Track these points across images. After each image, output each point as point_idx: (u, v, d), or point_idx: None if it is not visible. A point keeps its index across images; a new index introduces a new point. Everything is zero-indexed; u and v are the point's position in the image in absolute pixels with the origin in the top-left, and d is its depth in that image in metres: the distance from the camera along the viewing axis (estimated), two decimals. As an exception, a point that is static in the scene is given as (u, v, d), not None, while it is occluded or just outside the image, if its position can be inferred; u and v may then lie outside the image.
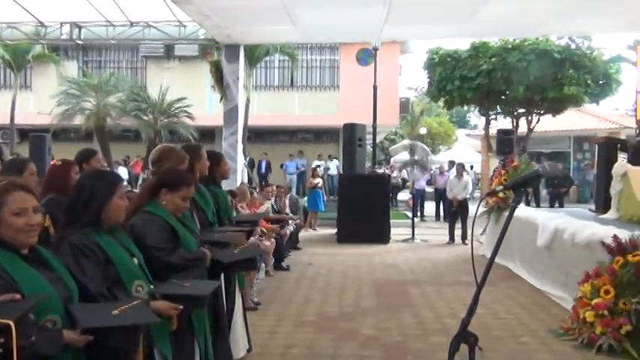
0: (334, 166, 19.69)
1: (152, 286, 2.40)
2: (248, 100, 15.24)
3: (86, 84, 18.77)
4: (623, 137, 13.04)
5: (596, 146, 9.81)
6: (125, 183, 3.21)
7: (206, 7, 8.64)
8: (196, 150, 3.61)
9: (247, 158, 16.12)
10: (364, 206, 11.12)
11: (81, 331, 1.87)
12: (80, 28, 14.03)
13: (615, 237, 4.99)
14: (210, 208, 3.56)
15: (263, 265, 7.57)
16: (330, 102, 20.85)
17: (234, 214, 5.39)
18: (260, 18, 9.24)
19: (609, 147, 9.01)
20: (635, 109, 12.15)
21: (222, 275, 3.51)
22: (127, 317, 1.96)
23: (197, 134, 18.33)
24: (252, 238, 5.47)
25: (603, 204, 8.44)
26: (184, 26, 12.56)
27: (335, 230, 11.85)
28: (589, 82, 17.94)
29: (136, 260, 2.36)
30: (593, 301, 4.85)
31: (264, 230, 7.64)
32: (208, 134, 19.01)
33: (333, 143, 21.57)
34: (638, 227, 6.08)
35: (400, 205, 19.52)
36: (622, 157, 8.64)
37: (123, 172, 17.61)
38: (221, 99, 11.45)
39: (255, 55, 15.88)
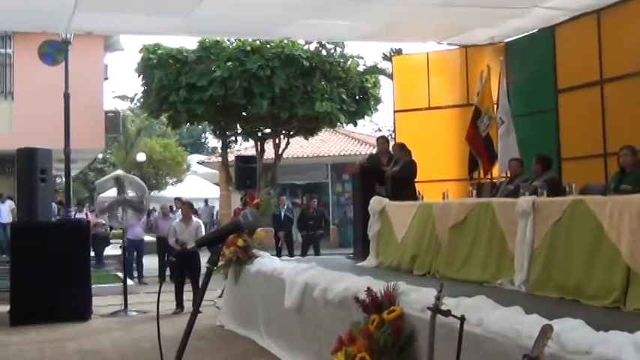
0: (7, 211, 18.41)
1: None
2: None
3: None
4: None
5: (352, 177, 10.98)
6: None
7: None
8: None
9: None
10: (52, 268, 10.58)
11: None
12: None
13: (369, 290, 5.56)
14: None
15: None
16: (1, 116, 19.48)
17: None
18: None
19: (366, 178, 10.14)
20: (394, 132, 13.95)
21: None
22: None
23: None
24: None
25: (362, 249, 9.42)
26: None
27: (7, 307, 10.97)
28: (344, 96, 20.04)
29: None
30: (349, 374, 5.32)
31: None
32: None
33: (6, 177, 20.13)
34: (398, 276, 6.91)
35: (108, 264, 19.03)
36: (380, 191, 9.76)
37: None
38: None
39: None
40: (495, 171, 11.11)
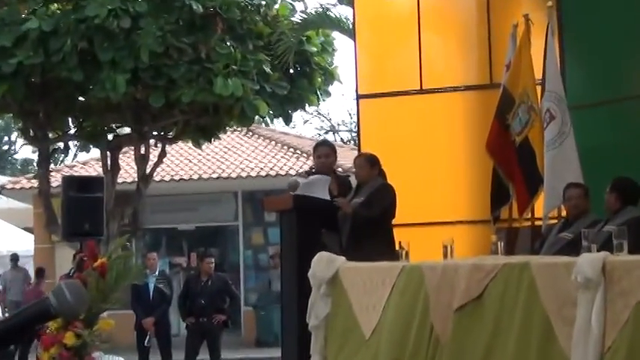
0: None
1: None
2: None
3: None
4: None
5: (279, 216, 11.00)
6: None
7: None
8: None
9: None
10: None
11: None
12: None
13: None
14: None
15: None
16: None
17: None
18: None
19: (304, 218, 10.19)
20: (358, 135, 13.98)
21: None
22: None
23: None
24: None
25: (298, 349, 9.46)
26: None
27: None
28: (267, 69, 20.10)
29: None
30: None
31: None
32: None
33: None
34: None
35: None
36: (329, 242, 9.81)
37: None
38: None
39: None
40: (539, 206, 11.21)
